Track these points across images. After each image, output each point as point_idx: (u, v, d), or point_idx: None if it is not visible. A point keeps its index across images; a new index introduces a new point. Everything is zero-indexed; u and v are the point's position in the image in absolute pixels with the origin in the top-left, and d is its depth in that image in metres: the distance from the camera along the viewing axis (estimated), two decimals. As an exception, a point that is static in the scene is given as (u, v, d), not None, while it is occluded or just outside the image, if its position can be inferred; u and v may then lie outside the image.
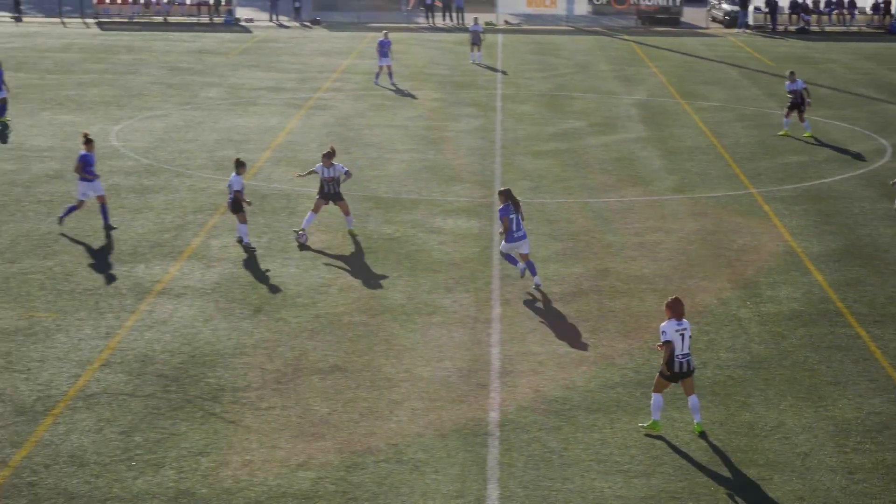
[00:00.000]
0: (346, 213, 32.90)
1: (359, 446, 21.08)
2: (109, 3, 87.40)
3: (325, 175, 32.54)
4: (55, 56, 67.37)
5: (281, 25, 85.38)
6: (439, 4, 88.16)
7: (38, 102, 52.52)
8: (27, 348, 25.25)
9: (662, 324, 21.28)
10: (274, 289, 28.98)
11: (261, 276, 29.87)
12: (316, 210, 32.76)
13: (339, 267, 30.64)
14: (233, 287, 29.08)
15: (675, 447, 21.24)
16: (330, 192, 32.66)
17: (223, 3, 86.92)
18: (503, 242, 29.02)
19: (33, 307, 27.66)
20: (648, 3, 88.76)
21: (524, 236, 28.87)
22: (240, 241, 32.08)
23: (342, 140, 45.29)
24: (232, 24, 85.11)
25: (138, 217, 34.50)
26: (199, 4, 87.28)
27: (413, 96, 55.91)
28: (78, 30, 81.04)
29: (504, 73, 64.35)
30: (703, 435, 21.49)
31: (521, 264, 29.37)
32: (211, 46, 73.02)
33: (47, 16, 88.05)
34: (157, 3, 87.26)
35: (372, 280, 29.71)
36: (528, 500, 19.36)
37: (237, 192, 31.45)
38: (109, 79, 59.42)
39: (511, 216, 28.44)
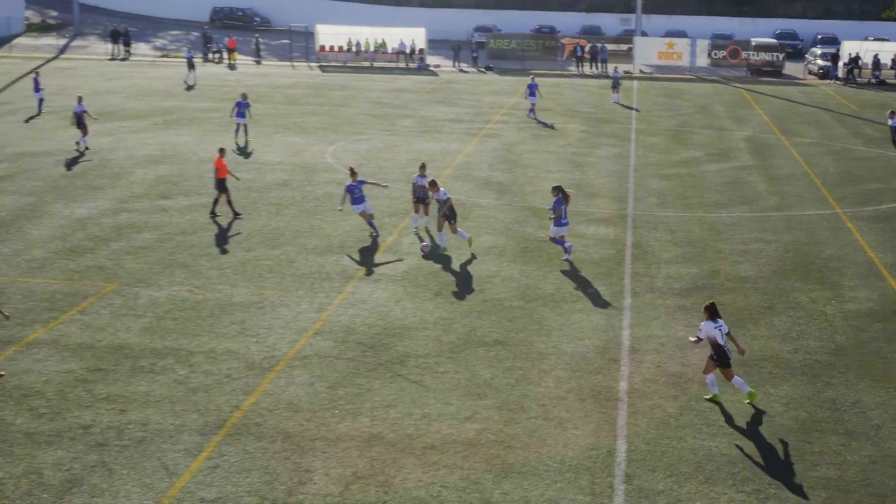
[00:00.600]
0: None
1: (514, 405, 20.96)
2: (328, 51, 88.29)
3: (419, 183, 32.92)
4: (285, 91, 68.23)
5: (461, 70, 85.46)
6: (587, 56, 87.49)
7: (272, 127, 53.19)
8: (258, 318, 25.54)
9: (702, 323, 21.03)
10: (450, 277, 28.96)
11: (440, 268, 29.85)
12: (416, 210, 33.60)
13: (502, 262, 30.51)
14: (418, 275, 29.11)
15: (771, 416, 20.77)
16: (421, 196, 33.09)
17: (417, 52, 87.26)
18: (553, 227, 30.54)
19: (263, 286, 27.98)
20: (757, 59, 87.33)
21: (567, 223, 30.65)
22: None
23: (506, 162, 45.15)
24: (423, 69, 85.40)
25: (347, 218, 34.72)
26: (398, 53, 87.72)
27: (564, 129, 55.49)
28: (303, 71, 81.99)
29: (638, 111, 63.61)
30: (717, 401, 21.37)
31: (568, 244, 30.72)
32: (406, 86, 73.36)
33: (280, 60, 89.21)
34: (366, 52, 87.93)
35: (528, 273, 29.53)
36: (649, 454, 19.08)
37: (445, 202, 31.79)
38: (326, 110, 59.98)
39: (562, 207, 30.06)
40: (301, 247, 31.56)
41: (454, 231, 31.37)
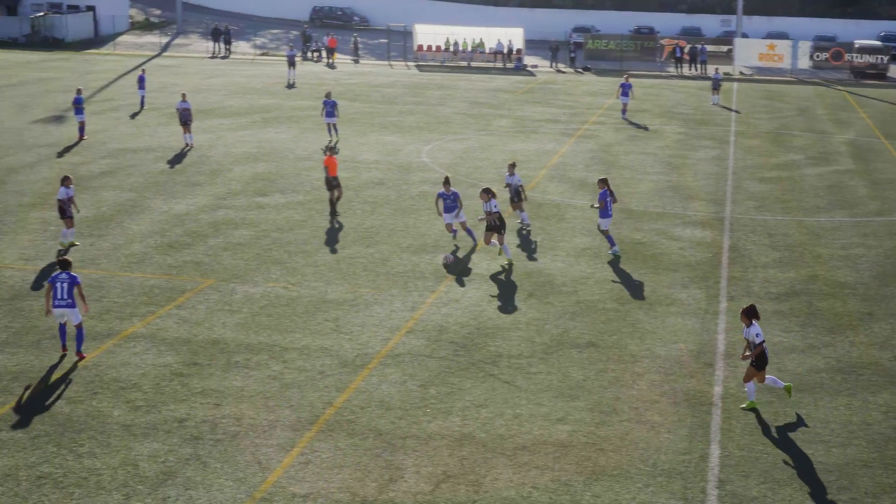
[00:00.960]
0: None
1: (606, 408, 20.83)
2: (426, 51, 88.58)
3: (513, 183, 33.36)
4: (383, 90, 68.59)
5: (559, 71, 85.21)
6: (686, 57, 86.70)
7: (367, 126, 53.50)
8: (352, 315, 25.69)
9: (754, 328, 20.42)
10: (544, 278, 28.87)
11: (534, 268, 29.78)
12: (514, 209, 33.84)
13: (597, 264, 30.34)
14: (511, 276, 29.06)
15: (869, 424, 20.39)
16: (514, 195, 33.44)
17: (514, 52, 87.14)
18: (600, 219, 30.93)
19: (357, 284, 28.14)
20: (860, 61, 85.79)
21: (611, 216, 30.99)
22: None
23: (602, 163, 44.91)
24: (520, 69, 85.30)
25: (441, 218, 34.80)
26: (495, 53, 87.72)
27: (661, 130, 55.04)
28: (401, 70, 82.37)
29: (738, 113, 62.88)
30: (754, 410, 20.92)
31: (616, 248, 31.11)
32: (503, 86, 73.33)
33: (378, 59, 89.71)
34: (463, 52, 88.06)
35: (623, 275, 29.34)
36: (742, 460, 18.84)
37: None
38: (423, 109, 60.18)
39: (608, 199, 30.57)
40: (395, 245, 31.67)
41: (501, 242, 30.04)
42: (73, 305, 22.55)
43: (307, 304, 26.48)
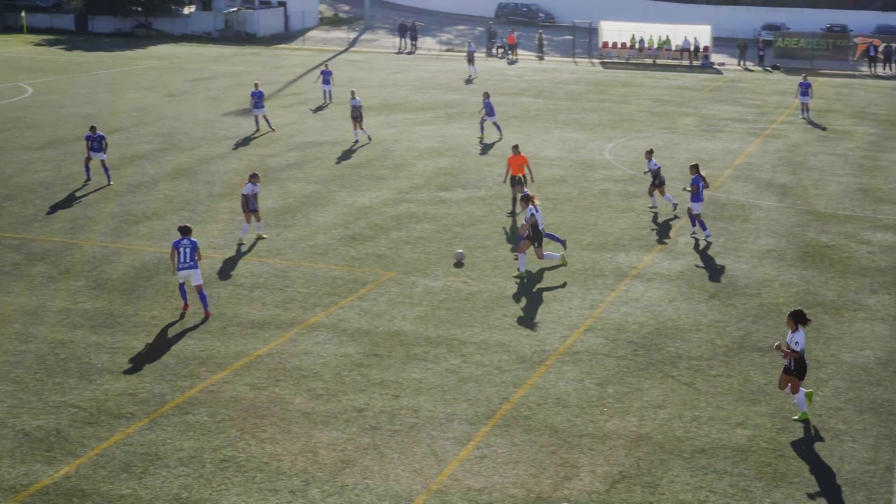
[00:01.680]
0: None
1: (788, 413, 20.37)
2: (611, 48, 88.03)
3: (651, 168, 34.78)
4: (566, 87, 68.38)
5: (746, 69, 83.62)
6: (881, 56, 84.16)
7: (550, 122, 53.41)
8: (530, 312, 25.70)
9: (798, 334, 19.63)
10: (727, 280, 28.39)
11: (716, 269, 29.30)
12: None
13: (781, 266, 29.69)
14: (693, 276, 28.67)
15: None
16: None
17: (701, 50, 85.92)
18: (692, 203, 31.57)
19: (537, 280, 28.11)
20: None
21: (702, 201, 31.78)
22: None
23: (790, 164, 43.91)
24: (707, 67, 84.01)
25: (622, 216, 34.55)
26: (681, 50, 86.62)
27: (852, 131, 53.50)
28: (585, 67, 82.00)
29: (933, 114, 60.75)
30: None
31: (709, 233, 31.98)
32: (688, 84, 72.34)
33: (563, 56, 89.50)
34: (649, 49, 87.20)
35: (808, 278, 28.64)
36: (931, 473, 18.22)
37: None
38: (606, 106, 59.78)
39: (700, 184, 31.25)
40: (576, 243, 31.54)
41: (540, 256, 28.46)
42: (195, 267, 24.93)
43: (486, 299, 26.59)
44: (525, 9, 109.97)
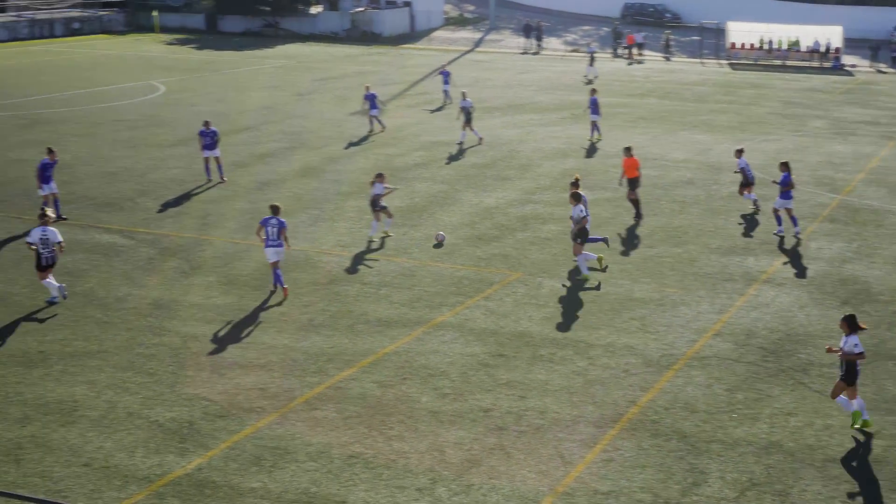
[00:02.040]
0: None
1: (924, 424, 19.92)
2: (739, 49, 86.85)
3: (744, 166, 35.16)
4: (693, 88, 67.64)
5: (879, 71, 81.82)
6: None
7: (678, 124, 52.89)
8: (657, 315, 25.52)
9: (852, 338, 19.08)
10: (860, 286, 27.82)
11: (848, 275, 28.74)
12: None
13: (916, 273, 29.04)
14: (824, 282, 28.16)
15: None
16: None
17: (832, 51, 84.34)
18: (780, 199, 31.86)
19: (664, 283, 27.91)
20: None
21: (792, 198, 31.96)
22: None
23: (926, 168, 42.95)
24: (838, 69, 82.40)
25: (751, 219, 34.09)
26: (811, 52, 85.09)
27: None
28: (713, 69, 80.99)
29: None
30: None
31: (798, 228, 32.26)
32: (819, 86, 71.02)
33: (690, 57, 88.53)
34: (778, 50, 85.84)
35: (945, 286, 27.97)
36: None
37: None
38: (735, 108, 58.98)
39: (789, 181, 31.54)
40: (704, 246, 31.22)
41: (577, 253, 28.31)
42: (281, 245, 26.33)
43: (613, 301, 26.46)
44: (651, 9, 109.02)
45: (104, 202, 35.33)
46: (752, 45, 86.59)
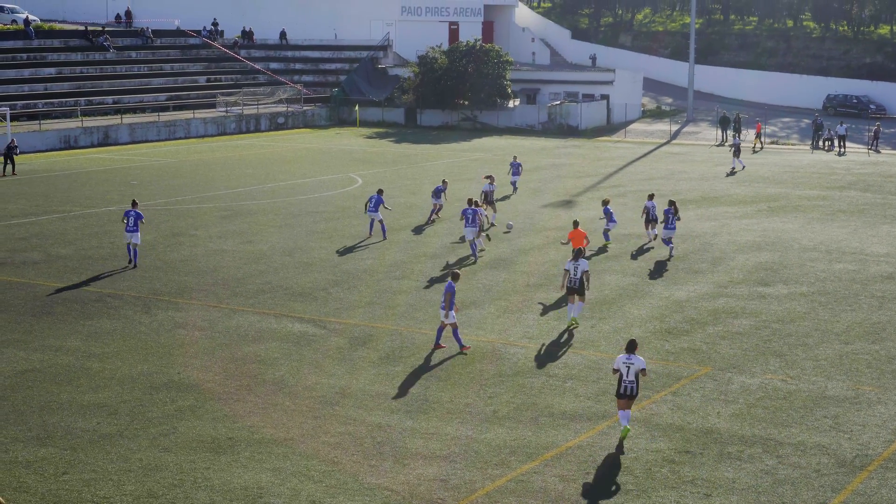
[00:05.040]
0: None
1: None
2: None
3: None
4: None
5: None
6: None
7: (879, 217, 51.45)
8: (852, 413, 24.71)
9: None
10: None
11: None
12: None
13: None
14: None
15: None
16: None
17: None
18: None
19: (860, 381, 27.04)
20: None
21: None
22: None
23: None
24: None
25: (955, 316, 32.92)
26: None
27: None
28: (918, 160, 78.79)
29: None
30: None
31: None
32: None
33: (893, 149, 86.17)
34: None
35: None
36: None
37: None
38: (941, 201, 57.14)
39: None
40: (904, 343, 30.21)
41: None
42: (451, 308, 29.05)
43: (805, 398, 25.74)
44: (855, 100, 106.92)
45: (298, 292, 36.20)
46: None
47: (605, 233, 44.72)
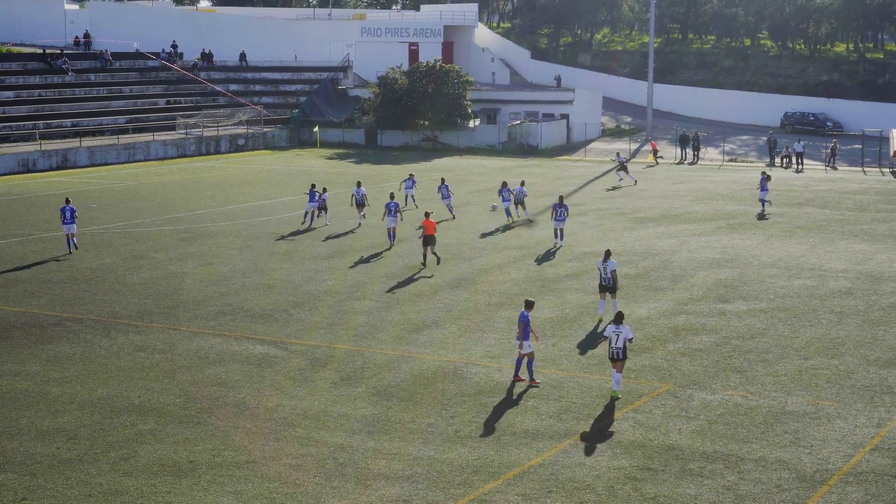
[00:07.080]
0: None
1: None
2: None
3: None
4: (854, 197, 66.33)
5: None
6: None
7: (836, 233, 51.85)
8: (812, 429, 24.84)
9: None
10: None
11: None
12: None
13: None
14: None
15: None
16: None
17: None
18: None
19: (820, 396, 27.19)
20: None
21: None
22: None
23: None
24: None
25: (913, 330, 33.18)
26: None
27: None
28: (875, 177, 79.46)
29: None
30: None
31: None
32: None
33: (850, 165, 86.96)
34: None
35: None
36: None
37: None
38: (898, 217, 57.67)
39: None
40: (862, 358, 30.38)
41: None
42: (527, 337, 28.04)
43: (765, 414, 25.86)
44: (812, 118, 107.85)
45: (259, 314, 36.07)
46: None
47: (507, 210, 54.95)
